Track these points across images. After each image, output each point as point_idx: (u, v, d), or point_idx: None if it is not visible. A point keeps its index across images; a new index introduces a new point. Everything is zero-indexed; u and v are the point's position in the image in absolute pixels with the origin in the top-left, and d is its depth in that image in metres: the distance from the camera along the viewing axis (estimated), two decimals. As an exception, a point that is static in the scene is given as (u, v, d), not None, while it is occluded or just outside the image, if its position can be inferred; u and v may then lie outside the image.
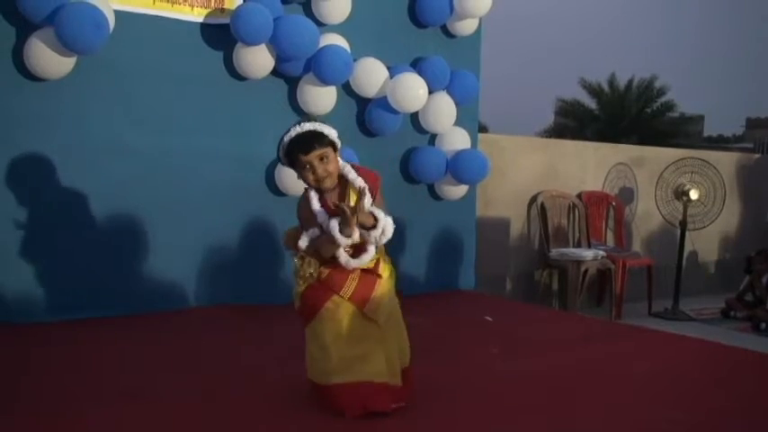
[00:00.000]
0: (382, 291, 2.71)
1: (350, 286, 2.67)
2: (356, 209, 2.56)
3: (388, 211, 2.70)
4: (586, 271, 6.30)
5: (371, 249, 2.68)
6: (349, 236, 2.58)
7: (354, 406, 2.63)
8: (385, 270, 2.76)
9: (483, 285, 5.66)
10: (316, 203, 2.66)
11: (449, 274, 5.33)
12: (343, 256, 2.66)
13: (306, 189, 2.73)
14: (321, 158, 2.61)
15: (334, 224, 2.58)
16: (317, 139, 2.61)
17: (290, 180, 4.49)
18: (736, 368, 3.75)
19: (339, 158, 2.70)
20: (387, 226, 2.63)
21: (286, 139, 2.66)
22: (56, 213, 3.90)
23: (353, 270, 2.70)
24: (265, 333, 3.88)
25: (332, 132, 2.66)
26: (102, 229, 4.02)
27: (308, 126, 2.64)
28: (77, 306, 3.92)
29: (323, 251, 2.66)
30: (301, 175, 2.67)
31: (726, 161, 7.94)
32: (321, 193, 2.69)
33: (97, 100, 3.98)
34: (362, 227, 2.60)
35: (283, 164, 2.74)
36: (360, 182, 2.65)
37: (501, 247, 6.22)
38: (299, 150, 2.61)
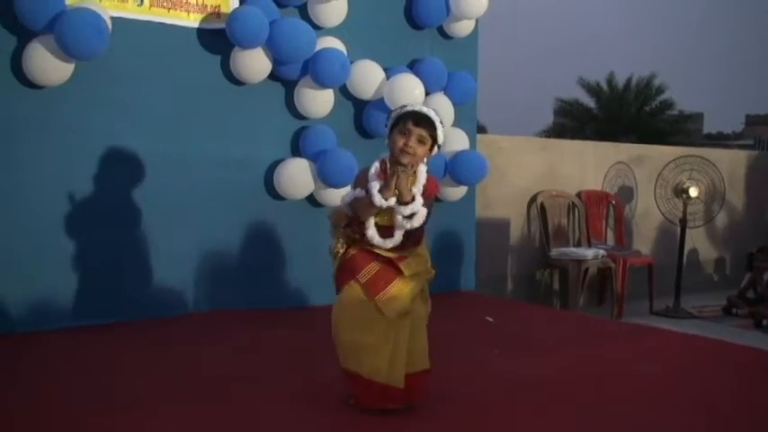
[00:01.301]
0: (400, 288, 2.74)
1: (368, 272, 2.74)
2: (400, 173, 2.64)
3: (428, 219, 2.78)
4: (587, 270, 6.30)
5: (398, 235, 2.73)
6: (385, 198, 2.66)
7: (350, 393, 2.80)
8: (408, 269, 2.76)
9: (484, 286, 5.65)
10: (373, 170, 2.75)
11: (449, 275, 5.32)
12: (371, 228, 2.74)
13: (371, 166, 2.80)
14: (420, 139, 2.72)
15: (376, 183, 2.68)
16: (431, 124, 2.75)
17: (289, 184, 4.49)
18: (740, 365, 3.74)
19: (426, 158, 2.78)
20: (419, 211, 2.69)
21: (410, 107, 2.80)
22: (54, 220, 3.90)
23: (377, 258, 2.75)
24: (265, 337, 3.87)
25: (441, 135, 2.78)
26: (100, 235, 4.02)
27: (434, 114, 2.77)
28: (77, 313, 3.92)
29: (360, 212, 2.75)
30: (392, 139, 2.76)
31: (726, 158, 7.93)
32: (384, 170, 2.76)
33: (95, 106, 3.98)
34: (399, 199, 2.67)
35: (388, 123, 2.82)
36: (422, 175, 2.73)
37: (501, 247, 6.21)
38: (412, 118, 2.74)
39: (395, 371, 2.71)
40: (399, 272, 2.75)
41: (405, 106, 2.82)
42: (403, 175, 2.66)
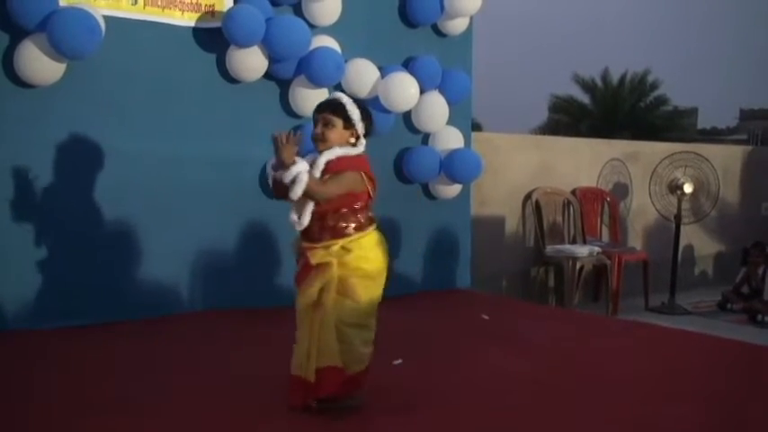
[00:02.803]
0: (311, 280, 2.81)
1: (299, 267, 2.90)
2: (279, 144, 2.70)
3: (341, 190, 2.78)
4: (582, 267, 6.30)
5: (305, 216, 2.78)
6: (274, 169, 2.77)
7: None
8: (314, 257, 2.80)
9: (479, 283, 5.65)
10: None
11: (445, 273, 5.32)
12: (292, 212, 2.83)
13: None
14: (326, 123, 2.84)
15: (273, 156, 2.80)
16: (334, 106, 2.87)
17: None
18: (735, 361, 3.75)
19: (351, 140, 2.85)
20: (299, 174, 2.69)
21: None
22: (47, 220, 3.88)
23: (304, 258, 2.85)
24: (261, 336, 3.87)
25: (354, 112, 2.86)
26: (94, 235, 4.01)
27: (338, 95, 2.95)
28: (70, 313, 3.90)
29: (279, 191, 2.81)
30: None
31: (720, 154, 7.94)
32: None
33: (89, 106, 3.97)
34: (283, 164, 2.72)
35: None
36: (321, 161, 2.80)
37: (496, 245, 6.21)
38: (317, 106, 2.91)
39: (306, 364, 2.79)
40: (311, 265, 2.82)
41: None
42: (284, 145, 2.70)
